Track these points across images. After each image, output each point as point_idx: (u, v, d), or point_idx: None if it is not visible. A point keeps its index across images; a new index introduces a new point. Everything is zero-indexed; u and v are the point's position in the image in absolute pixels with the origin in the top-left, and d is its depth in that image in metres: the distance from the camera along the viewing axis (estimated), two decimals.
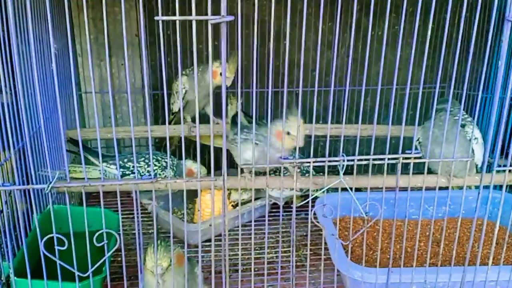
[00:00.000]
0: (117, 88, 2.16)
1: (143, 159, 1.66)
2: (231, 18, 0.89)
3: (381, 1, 0.95)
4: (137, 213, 1.01)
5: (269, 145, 1.34)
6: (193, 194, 1.78)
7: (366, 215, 1.07)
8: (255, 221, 1.71)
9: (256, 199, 1.80)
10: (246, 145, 1.43)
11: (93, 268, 0.99)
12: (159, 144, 2.18)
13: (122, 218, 1.11)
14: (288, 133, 1.33)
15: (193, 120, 1.82)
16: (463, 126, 1.47)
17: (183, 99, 1.71)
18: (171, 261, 1.07)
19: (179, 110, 1.77)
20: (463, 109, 1.70)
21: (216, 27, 0.90)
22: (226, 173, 1.04)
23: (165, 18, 0.88)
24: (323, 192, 1.16)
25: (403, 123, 1.10)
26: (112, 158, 1.67)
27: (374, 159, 1.06)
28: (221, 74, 1.61)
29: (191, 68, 1.72)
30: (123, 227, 1.63)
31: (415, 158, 1.05)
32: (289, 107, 1.33)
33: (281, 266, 1.42)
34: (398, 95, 2.10)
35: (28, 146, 0.96)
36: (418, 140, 1.54)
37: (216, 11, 0.90)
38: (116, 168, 1.62)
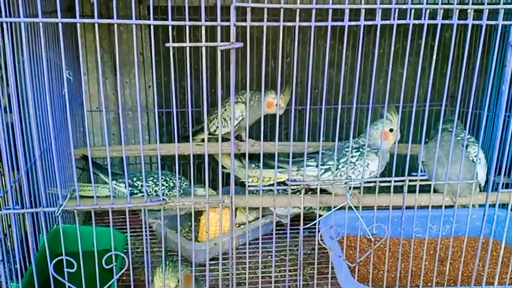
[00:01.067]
0: (122, 106, 2.17)
1: (151, 178, 1.67)
2: (240, 44, 0.91)
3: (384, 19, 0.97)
4: (146, 234, 1.02)
5: (382, 149, 1.46)
6: (197, 212, 1.79)
7: (373, 236, 1.08)
8: (258, 239, 1.71)
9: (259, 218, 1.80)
10: (371, 157, 1.51)
11: None
12: (163, 161, 2.19)
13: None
14: (391, 130, 1.48)
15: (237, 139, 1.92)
16: (466, 146, 1.49)
17: (236, 125, 1.81)
18: (178, 281, 1.07)
19: (227, 133, 1.87)
20: (463, 127, 1.72)
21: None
22: (234, 192, 1.05)
23: (176, 44, 0.90)
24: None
25: (410, 142, 1.11)
26: (122, 176, 1.68)
27: (380, 181, 1.07)
28: (277, 105, 1.70)
29: (244, 96, 1.83)
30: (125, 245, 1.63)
31: (421, 180, 1.06)
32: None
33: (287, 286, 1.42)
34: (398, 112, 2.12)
35: (39, 166, 0.97)
36: (423, 162, 1.55)
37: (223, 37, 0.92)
38: (125, 187, 1.63)
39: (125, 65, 2.08)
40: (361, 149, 1.52)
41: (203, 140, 1.92)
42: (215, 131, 1.87)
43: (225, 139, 1.95)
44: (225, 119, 1.84)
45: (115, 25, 0.89)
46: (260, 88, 1.05)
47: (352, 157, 1.53)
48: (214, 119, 1.88)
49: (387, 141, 1.52)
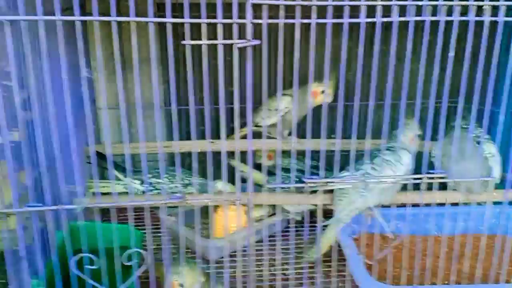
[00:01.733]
0: (135, 104, 2.17)
1: (166, 175, 1.68)
2: (257, 42, 0.91)
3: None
4: (163, 231, 1.02)
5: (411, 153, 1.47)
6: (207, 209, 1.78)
7: (393, 234, 1.08)
8: (271, 236, 1.70)
9: (272, 214, 1.80)
10: (402, 152, 1.48)
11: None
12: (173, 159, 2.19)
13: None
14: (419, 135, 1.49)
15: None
16: (479, 143, 1.48)
17: (282, 116, 1.78)
18: (194, 278, 1.08)
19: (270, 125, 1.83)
20: (479, 124, 1.70)
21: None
22: (251, 190, 1.06)
23: (192, 42, 0.90)
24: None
25: (427, 140, 1.10)
26: (136, 173, 1.69)
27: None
28: (322, 92, 1.68)
29: (290, 90, 1.75)
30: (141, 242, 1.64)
31: (438, 177, 1.06)
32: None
33: (302, 283, 1.42)
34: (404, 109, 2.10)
35: (59, 163, 0.98)
36: (434, 157, 1.54)
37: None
38: (140, 183, 1.64)
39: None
40: (391, 149, 1.50)
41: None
42: (258, 122, 1.84)
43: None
44: (270, 110, 1.80)
45: (131, 23, 0.90)
46: (276, 86, 1.05)
47: (384, 155, 1.50)
48: (259, 110, 1.85)
49: (411, 145, 1.49)
